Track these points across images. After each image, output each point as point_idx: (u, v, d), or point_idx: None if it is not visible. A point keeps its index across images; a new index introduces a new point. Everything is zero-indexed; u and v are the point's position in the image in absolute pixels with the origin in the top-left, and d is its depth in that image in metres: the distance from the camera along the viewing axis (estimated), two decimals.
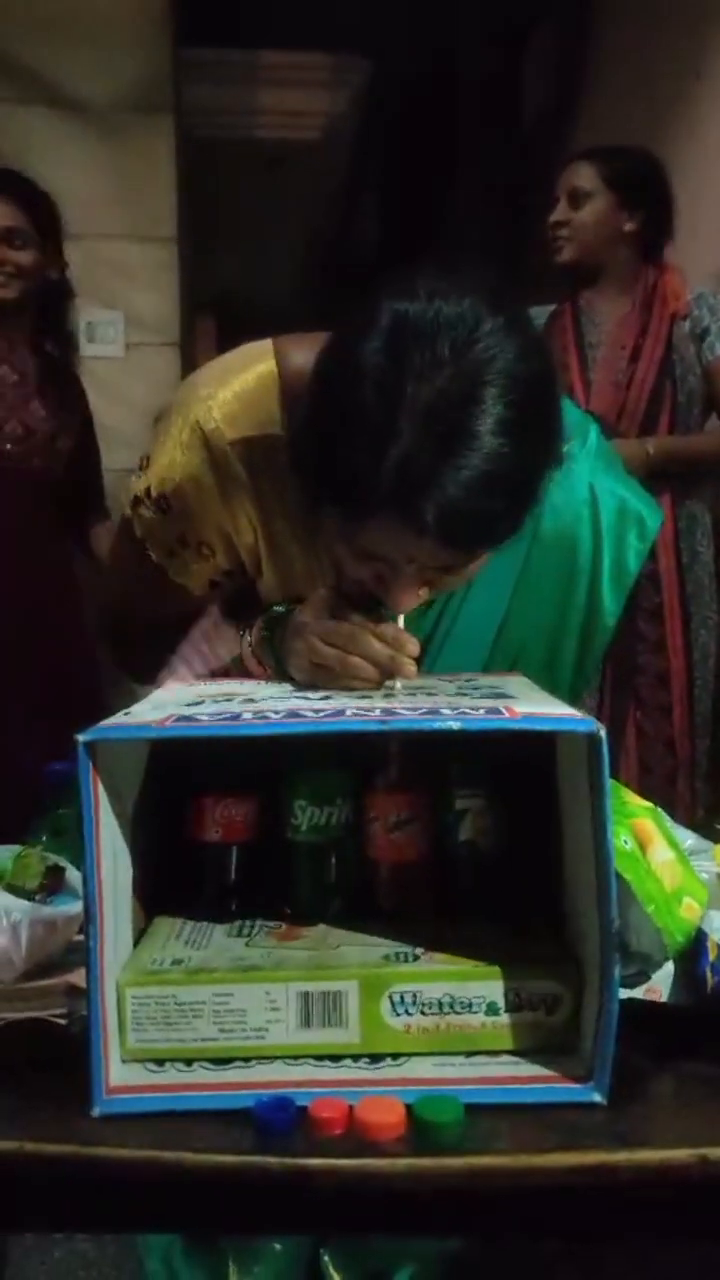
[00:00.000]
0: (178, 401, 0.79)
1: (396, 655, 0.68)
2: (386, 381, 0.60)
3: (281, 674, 0.75)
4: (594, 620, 0.85)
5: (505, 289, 0.64)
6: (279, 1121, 0.51)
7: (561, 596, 0.85)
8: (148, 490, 0.79)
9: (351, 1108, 0.52)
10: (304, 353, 0.72)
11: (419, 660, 0.70)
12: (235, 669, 0.80)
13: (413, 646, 0.68)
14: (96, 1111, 0.53)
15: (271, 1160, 0.50)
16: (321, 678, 0.70)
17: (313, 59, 3.26)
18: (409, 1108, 0.52)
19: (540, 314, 1.88)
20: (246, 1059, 0.56)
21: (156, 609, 0.84)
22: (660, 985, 0.59)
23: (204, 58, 3.07)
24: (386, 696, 0.64)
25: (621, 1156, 0.50)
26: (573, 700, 0.87)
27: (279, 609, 0.78)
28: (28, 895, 0.66)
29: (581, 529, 0.84)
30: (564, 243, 1.79)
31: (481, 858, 0.64)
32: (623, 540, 0.85)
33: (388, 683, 0.68)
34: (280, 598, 0.81)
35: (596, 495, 0.84)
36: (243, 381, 0.76)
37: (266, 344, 0.78)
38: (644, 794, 0.67)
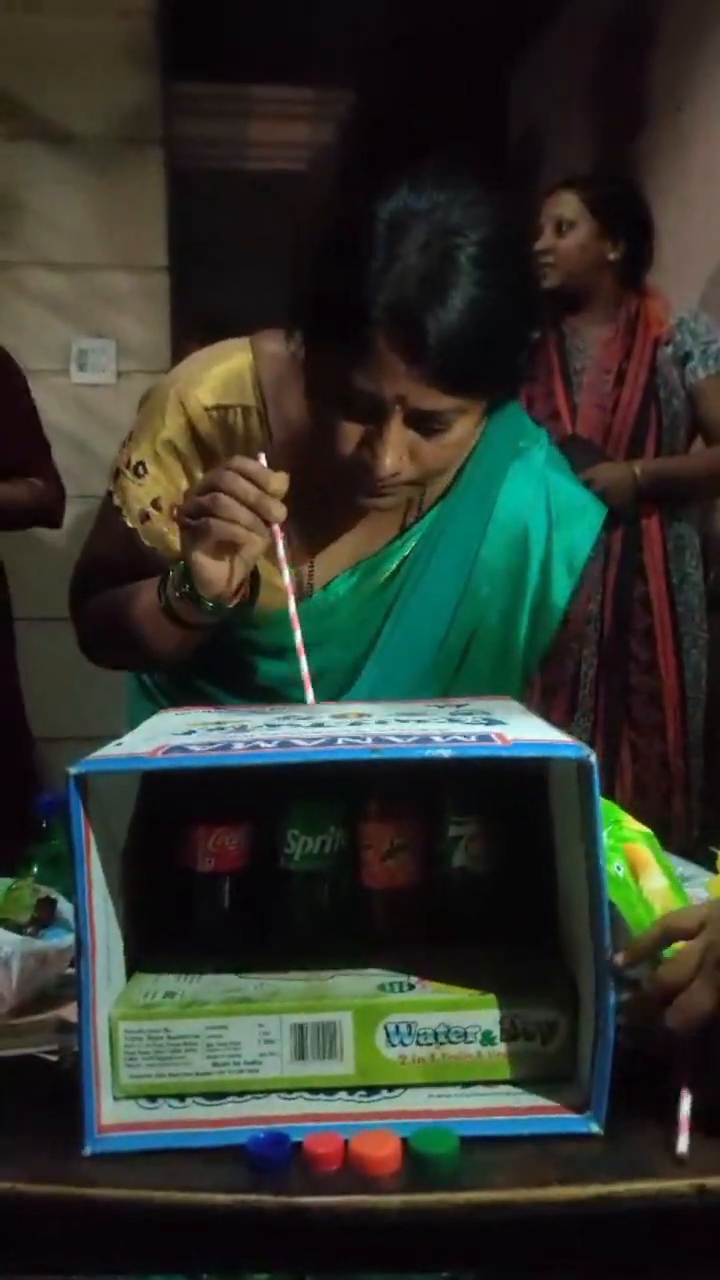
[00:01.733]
0: (162, 383, 0.87)
1: (262, 496, 0.71)
2: (393, 224, 0.70)
3: (191, 596, 0.76)
4: (545, 600, 0.91)
5: (502, 185, 0.75)
6: (273, 1158, 0.51)
7: (516, 576, 0.90)
8: (128, 460, 0.85)
9: (347, 1142, 0.51)
10: (276, 342, 0.83)
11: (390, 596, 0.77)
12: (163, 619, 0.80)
13: (277, 482, 0.72)
14: (88, 1151, 0.52)
15: (267, 1199, 0.49)
16: (203, 535, 0.72)
17: (298, 93, 3.32)
18: (405, 1141, 0.51)
19: None
20: (240, 1093, 0.55)
21: (125, 577, 0.87)
22: None
23: (192, 92, 3.12)
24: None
25: (620, 1188, 0.50)
26: (525, 675, 0.94)
27: None
28: (19, 928, 0.66)
29: (536, 514, 0.89)
30: (549, 269, 1.82)
31: (476, 883, 0.64)
32: (574, 528, 0.91)
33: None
34: None
35: (549, 486, 0.90)
36: (222, 365, 0.85)
37: (244, 339, 0.87)
38: (640, 813, 0.67)
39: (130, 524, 0.85)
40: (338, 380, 0.73)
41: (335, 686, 0.88)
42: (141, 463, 0.84)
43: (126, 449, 0.86)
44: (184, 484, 0.84)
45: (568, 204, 1.81)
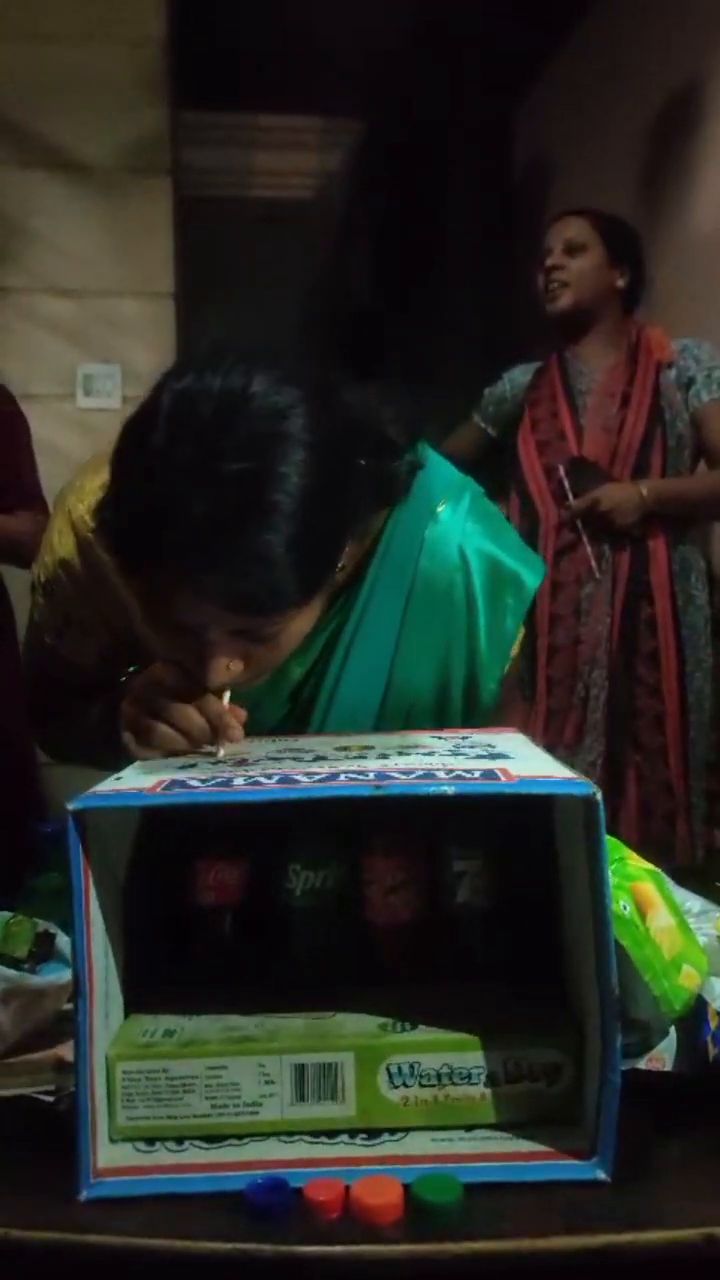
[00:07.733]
0: (62, 491, 0.84)
1: (222, 714, 0.68)
2: (166, 453, 0.62)
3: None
4: (476, 680, 0.83)
5: (288, 352, 0.68)
6: (273, 1206, 0.49)
7: (442, 658, 0.83)
8: (39, 579, 0.85)
9: (348, 1188, 0.50)
10: None
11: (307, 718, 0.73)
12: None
13: (235, 731, 0.69)
14: (84, 1196, 0.51)
15: (266, 1248, 0.48)
16: (141, 746, 0.70)
17: (306, 121, 3.36)
18: (407, 1188, 0.50)
19: (527, 370, 1.92)
20: (240, 1136, 0.54)
21: (68, 680, 0.88)
22: (664, 1054, 0.58)
23: (201, 120, 3.16)
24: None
25: (627, 1238, 0.48)
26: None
27: (133, 669, 0.79)
28: (16, 964, 0.65)
29: (454, 593, 0.82)
30: (560, 289, 1.80)
31: (480, 919, 0.63)
32: (498, 601, 0.83)
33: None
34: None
35: (467, 558, 0.82)
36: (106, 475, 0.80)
37: None
38: (645, 836, 0.66)
39: (49, 641, 0.86)
40: (149, 607, 0.68)
41: None
42: (48, 581, 0.84)
43: (38, 565, 0.85)
44: (85, 599, 0.82)
45: (578, 228, 1.82)
